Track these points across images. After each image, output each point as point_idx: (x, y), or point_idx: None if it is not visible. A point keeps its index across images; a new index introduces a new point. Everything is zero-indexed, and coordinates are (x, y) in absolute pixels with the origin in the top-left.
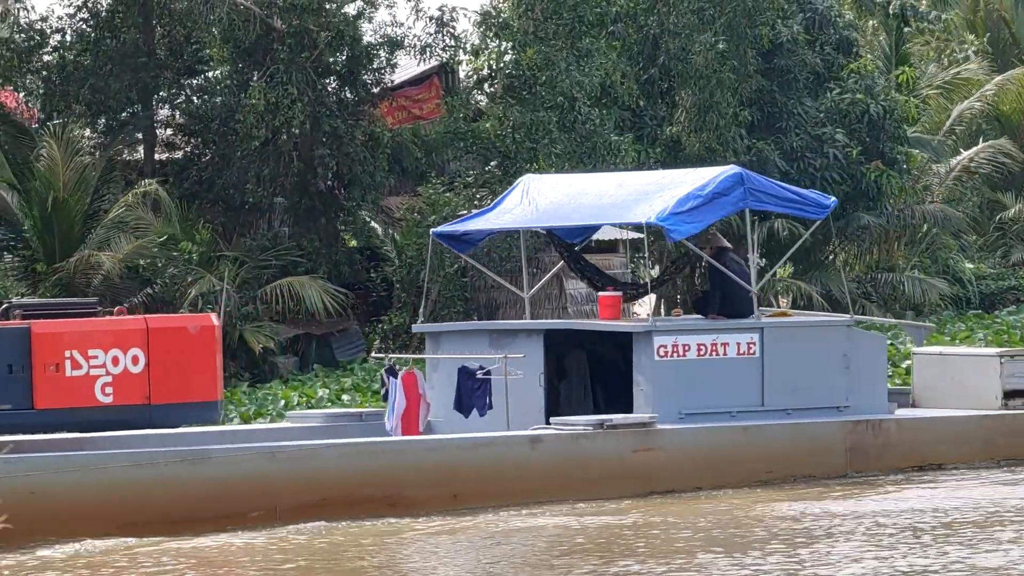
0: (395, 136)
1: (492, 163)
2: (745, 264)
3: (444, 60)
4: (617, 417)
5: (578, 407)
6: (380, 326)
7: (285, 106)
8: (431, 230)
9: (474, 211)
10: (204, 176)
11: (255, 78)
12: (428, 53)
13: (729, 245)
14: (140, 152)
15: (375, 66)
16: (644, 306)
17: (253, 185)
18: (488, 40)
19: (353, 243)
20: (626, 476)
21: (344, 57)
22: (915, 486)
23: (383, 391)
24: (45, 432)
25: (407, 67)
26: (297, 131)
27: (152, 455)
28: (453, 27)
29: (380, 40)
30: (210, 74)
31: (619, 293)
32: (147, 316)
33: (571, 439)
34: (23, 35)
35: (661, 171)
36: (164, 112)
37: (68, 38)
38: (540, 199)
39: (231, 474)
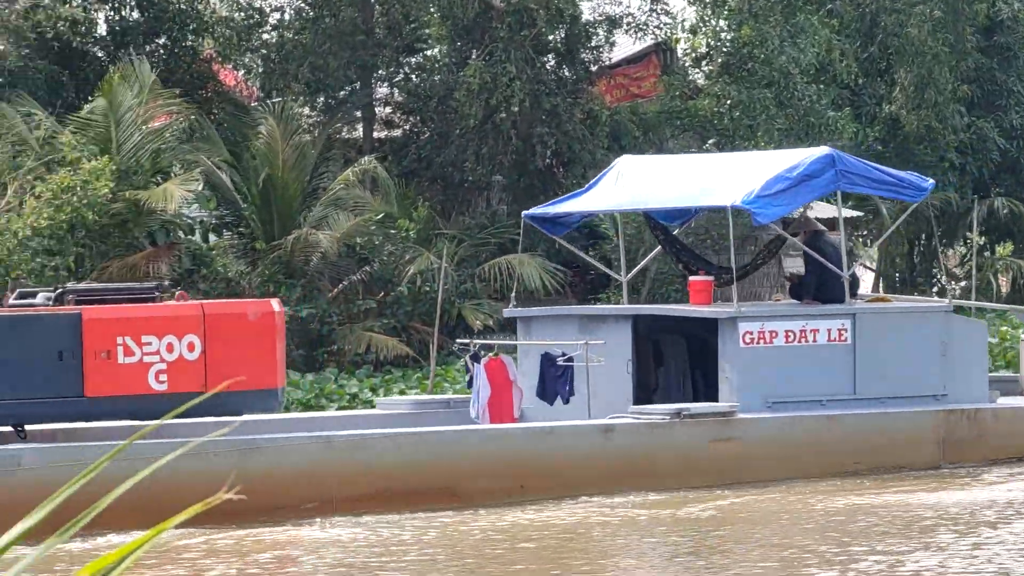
0: (613, 114)
1: (710, 141)
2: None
3: (661, 38)
4: (695, 406)
5: (676, 394)
6: (598, 304)
7: (504, 84)
8: (523, 212)
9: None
10: (422, 154)
11: (473, 56)
12: (644, 32)
13: (824, 228)
14: (359, 130)
15: (593, 44)
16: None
17: (471, 163)
18: (705, 18)
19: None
20: (704, 467)
21: (562, 35)
22: (1011, 479)
23: (467, 378)
24: (96, 421)
25: (625, 45)
26: (517, 109)
27: (202, 445)
28: (667, 3)
29: (598, 18)
30: (428, 52)
31: (710, 278)
32: (204, 302)
33: (646, 429)
34: (242, 14)
35: (756, 152)
36: (383, 90)
37: (287, 17)
38: (635, 181)
39: (284, 464)
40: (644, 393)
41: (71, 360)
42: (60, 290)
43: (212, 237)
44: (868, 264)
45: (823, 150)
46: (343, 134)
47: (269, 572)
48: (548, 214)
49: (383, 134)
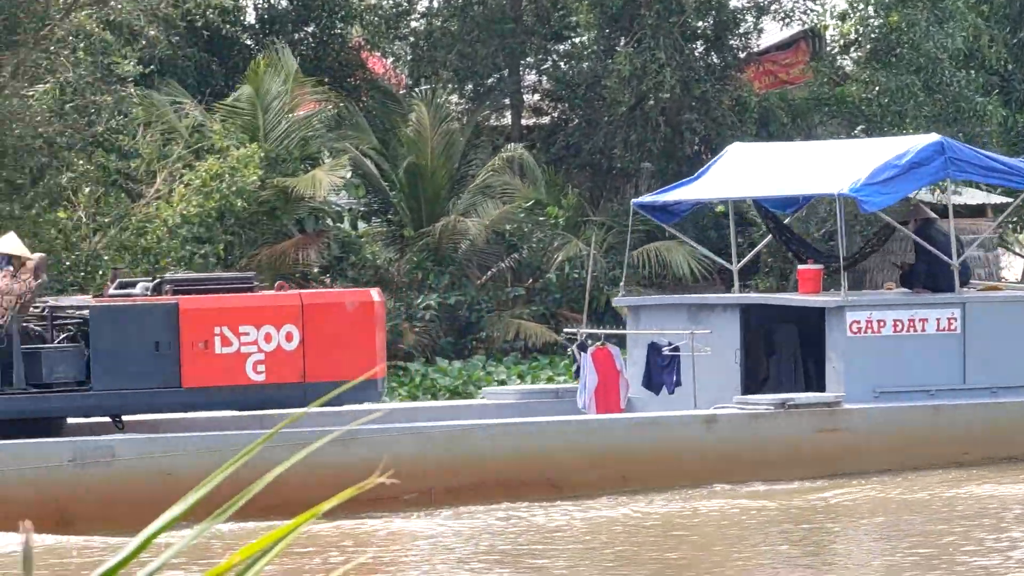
0: (762, 101)
1: (859, 127)
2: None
3: (809, 25)
4: (800, 396)
5: (787, 384)
6: (747, 291)
7: (653, 71)
8: (632, 200)
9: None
10: (571, 141)
11: (622, 43)
12: (791, 19)
13: (934, 216)
14: (507, 118)
15: (742, 31)
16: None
17: (620, 150)
18: (853, 5)
19: (720, 208)
20: (808, 458)
21: (711, 22)
22: None
23: (574, 367)
24: (193, 412)
25: (773, 32)
26: (667, 95)
27: (297, 435)
28: None
29: (747, 5)
30: (577, 40)
31: (819, 267)
32: (302, 292)
33: (749, 419)
34: (391, 1)
35: (866, 139)
36: (531, 77)
37: (435, 4)
38: (745, 169)
39: (383, 455)
40: (755, 383)
41: (168, 350)
42: (159, 279)
43: (361, 224)
44: (1018, 250)
45: (933, 137)
46: (491, 122)
47: (424, 559)
48: (657, 202)
49: (531, 121)
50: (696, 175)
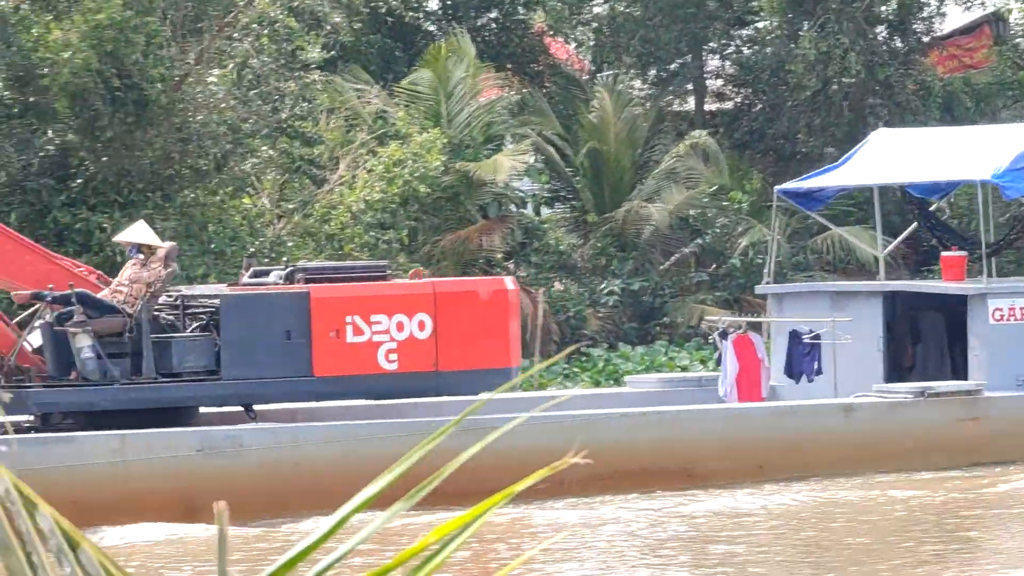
0: (946, 85)
1: None
2: None
3: (992, 9)
4: (940, 385)
5: (933, 372)
6: (931, 277)
7: (837, 56)
8: (776, 187)
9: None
10: (754, 126)
11: (805, 28)
12: (972, 3)
13: None
14: (689, 103)
15: (925, 15)
16: None
17: (804, 135)
18: None
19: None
20: (948, 447)
21: (894, 6)
22: None
23: (716, 355)
24: (324, 401)
25: (956, 16)
26: (852, 80)
27: (427, 425)
28: None
29: None
30: (760, 24)
31: (963, 254)
32: (435, 280)
33: (888, 408)
34: None
35: (1013, 124)
36: (714, 63)
37: None
38: (891, 154)
39: (518, 445)
40: (900, 371)
41: (299, 339)
42: (291, 268)
43: (544, 210)
44: None
45: None
46: (674, 107)
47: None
48: (801, 189)
49: (714, 107)
50: (840, 161)
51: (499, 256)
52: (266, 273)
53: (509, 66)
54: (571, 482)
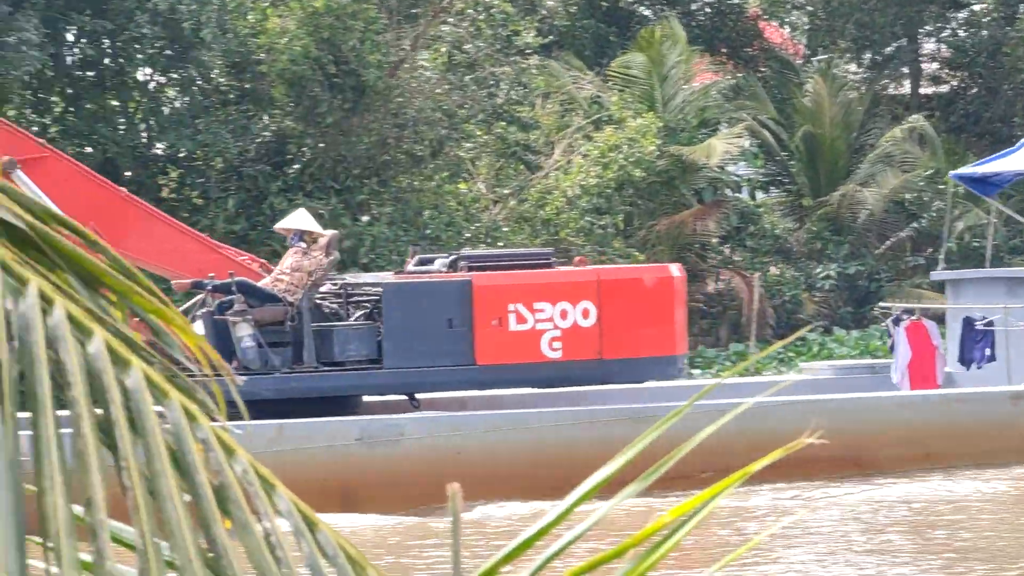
0: None
1: None
2: None
3: None
4: None
5: None
6: None
7: None
8: (950, 172)
9: None
10: (970, 109)
11: (1021, 10)
12: None
13: None
14: (905, 86)
15: None
16: None
17: (1021, 118)
18: None
19: None
20: None
21: None
22: None
23: (889, 343)
24: (487, 389)
25: None
26: None
27: (591, 413)
28: None
29: None
30: (976, 7)
31: None
32: (599, 268)
33: None
34: None
35: None
36: (929, 46)
37: None
38: None
39: (672, 433)
40: None
41: (461, 328)
42: (455, 256)
43: (759, 194)
44: None
45: None
46: (889, 90)
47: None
48: (976, 174)
49: (930, 90)
50: (1017, 146)
51: (714, 241)
52: (431, 261)
53: (724, 50)
54: (735, 470)
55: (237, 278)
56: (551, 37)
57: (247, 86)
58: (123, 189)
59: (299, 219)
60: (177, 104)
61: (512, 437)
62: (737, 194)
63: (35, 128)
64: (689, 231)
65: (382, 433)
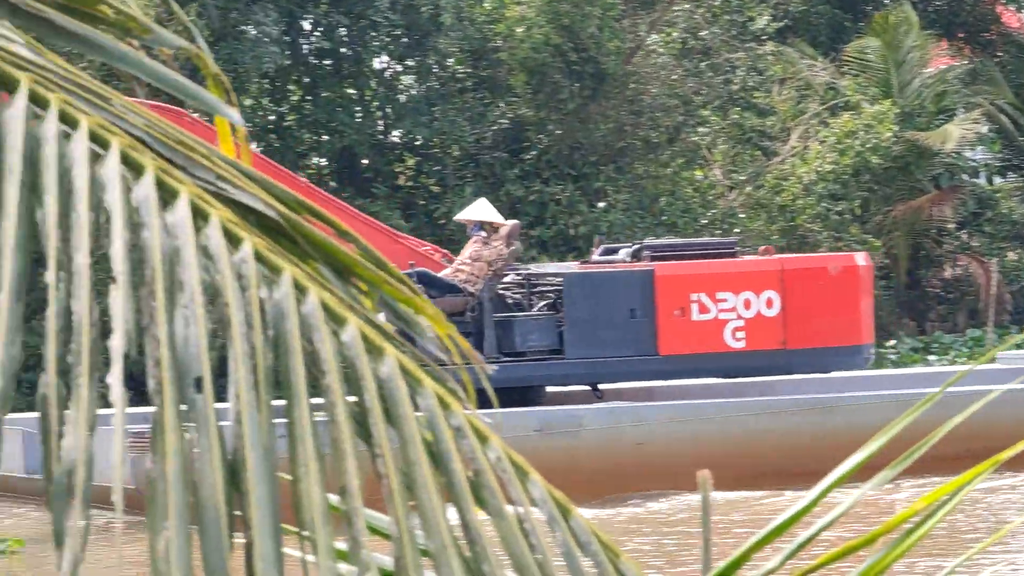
0: None
1: None
2: None
3: None
4: None
5: None
6: None
7: None
8: None
9: None
10: None
11: None
12: None
13: None
14: None
15: None
16: None
17: None
18: None
19: None
20: None
21: None
22: None
23: None
24: (669, 380)
25: None
26: None
27: (772, 404)
28: None
29: None
30: None
31: None
32: (783, 257)
33: None
34: None
35: None
36: None
37: None
38: None
39: (859, 424)
40: None
41: (643, 318)
42: (638, 246)
43: (996, 180)
44: None
45: None
46: None
47: None
48: None
49: None
50: None
51: (950, 226)
52: (616, 251)
53: (960, 35)
54: (925, 459)
55: (417, 268)
56: (785, 22)
57: (483, 73)
58: (303, 178)
59: (479, 209)
60: (414, 92)
61: (693, 428)
62: (974, 179)
63: (272, 117)
64: (925, 217)
65: (561, 424)
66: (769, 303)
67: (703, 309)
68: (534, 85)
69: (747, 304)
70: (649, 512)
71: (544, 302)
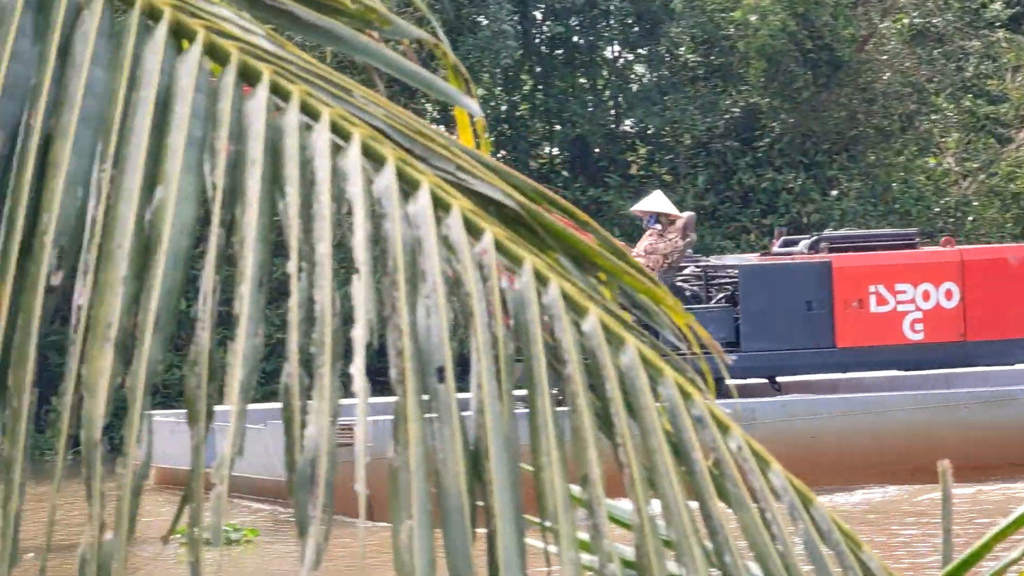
0: None
1: None
2: None
3: None
4: None
5: None
6: None
7: None
8: None
9: None
10: None
11: None
12: None
13: None
14: None
15: None
16: None
17: None
18: None
19: None
20: None
21: None
22: None
23: None
24: (846, 372)
25: None
26: None
27: (949, 397)
28: None
29: None
30: None
31: None
32: (963, 248)
33: None
34: None
35: None
36: None
37: None
38: None
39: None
40: None
41: (820, 310)
42: (815, 237)
43: None
44: None
45: None
46: None
47: None
48: None
49: None
50: None
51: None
52: (795, 242)
53: None
54: None
55: None
56: (1018, 8)
57: (715, 61)
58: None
59: (655, 202)
60: (645, 81)
61: (868, 421)
62: None
63: (504, 107)
64: None
65: (732, 416)
66: (948, 295)
67: (881, 301)
68: (769, 73)
69: (926, 296)
70: (835, 505)
71: (722, 294)
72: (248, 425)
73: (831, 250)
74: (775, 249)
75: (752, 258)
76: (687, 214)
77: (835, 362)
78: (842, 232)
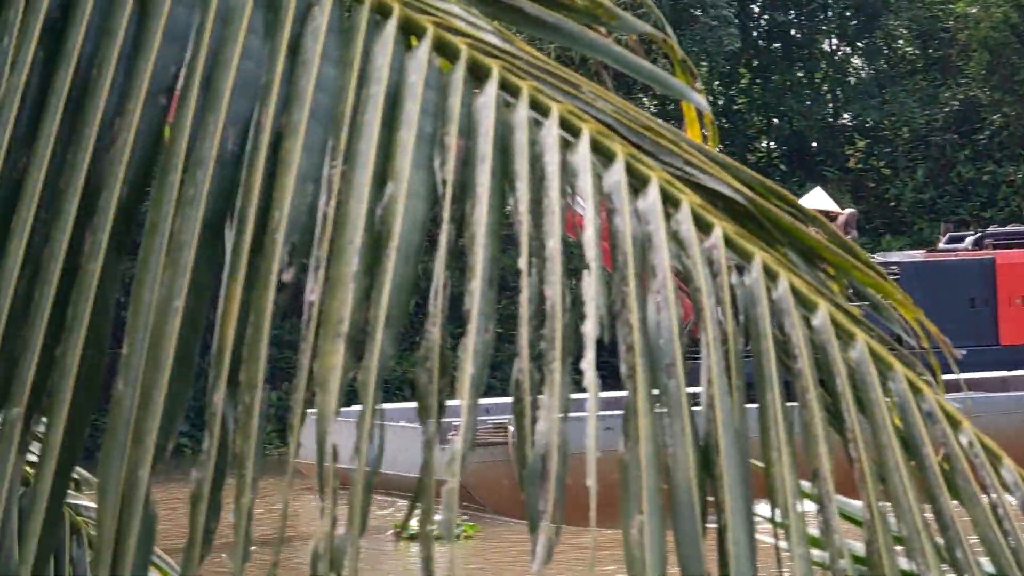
0: None
1: None
2: None
3: None
4: None
5: None
6: None
7: None
8: None
9: None
10: None
11: None
12: None
13: None
14: None
15: None
16: None
17: None
18: None
19: None
20: None
21: None
22: None
23: None
24: (1010, 370)
25: None
26: None
27: None
28: None
29: None
30: None
31: None
32: None
33: None
34: None
35: None
36: None
37: None
38: None
39: None
40: None
41: (983, 307)
42: (980, 234)
43: None
44: None
45: None
46: None
47: None
48: None
49: None
50: None
51: None
52: (962, 239)
53: None
54: None
55: None
56: None
57: (934, 54)
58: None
59: (815, 199)
60: (863, 74)
61: (1020, 420)
62: None
63: (721, 101)
64: None
65: (962, 411)
66: None
67: None
68: (990, 66)
69: None
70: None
71: None
72: (405, 424)
73: (995, 246)
74: (941, 244)
75: (917, 255)
76: (848, 211)
77: (998, 360)
78: (1008, 228)
